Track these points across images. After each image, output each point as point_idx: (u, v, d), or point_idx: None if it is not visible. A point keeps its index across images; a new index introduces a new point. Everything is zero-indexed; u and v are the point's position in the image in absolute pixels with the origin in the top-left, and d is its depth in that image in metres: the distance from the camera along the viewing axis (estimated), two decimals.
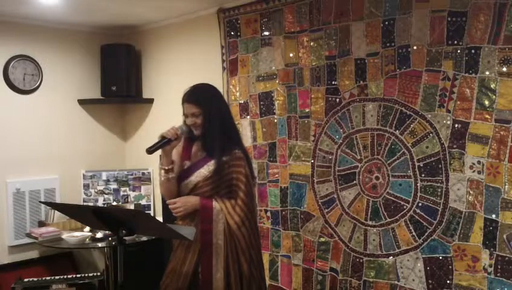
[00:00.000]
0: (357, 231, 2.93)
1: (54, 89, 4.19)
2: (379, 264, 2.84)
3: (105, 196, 4.30)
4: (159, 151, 2.56)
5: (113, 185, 4.32)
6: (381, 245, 2.83)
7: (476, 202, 2.49)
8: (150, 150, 2.49)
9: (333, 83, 3.01)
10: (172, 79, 4.14)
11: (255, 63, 3.40)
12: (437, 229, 2.62)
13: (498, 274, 2.42)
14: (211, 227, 2.53)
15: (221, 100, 2.69)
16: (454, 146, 2.55)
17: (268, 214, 3.37)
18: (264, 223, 3.39)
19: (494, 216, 2.43)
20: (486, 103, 2.44)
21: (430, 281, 2.65)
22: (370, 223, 2.88)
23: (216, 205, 2.54)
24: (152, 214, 4.25)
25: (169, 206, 2.59)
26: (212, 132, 2.57)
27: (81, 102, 4.36)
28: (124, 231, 2.10)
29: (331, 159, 3.04)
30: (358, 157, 2.92)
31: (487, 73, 2.43)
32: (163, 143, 2.51)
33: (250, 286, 2.56)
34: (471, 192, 2.50)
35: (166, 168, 2.57)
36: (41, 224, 4.00)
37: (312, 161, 3.14)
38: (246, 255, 2.54)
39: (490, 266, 2.44)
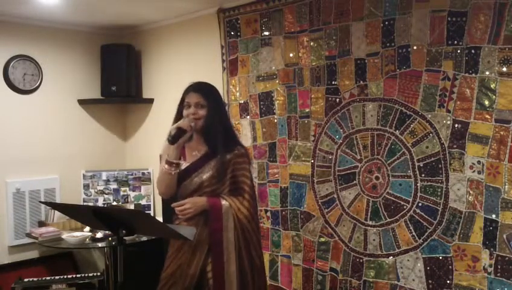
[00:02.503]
0: (357, 231, 2.93)
1: (54, 89, 4.19)
2: (379, 264, 2.84)
3: (105, 196, 4.30)
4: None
5: (113, 185, 4.32)
6: (381, 245, 2.83)
7: (476, 202, 2.49)
8: (172, 140, 2.47)
9: (333, 83, 3.01)
10: (172, 79, 4.14)
11: (255, 63, 3.40)
12: (437, 229, 2.62)
13: (498, 274, 2.42)
14: (221, 225, 2.54)
15: (222, 101, 2.72)
16: (454, 146, 2.55)
17: (268, 214, 3.37)
18: (264, 223, 3.39)
19: (494, 216, 2.42)
20: (486, 103, 2.44)
21: (430, 281, 2.65)
22: (370, 223, 2.88)
23: (225, 202, 2.55)
24: (152, 214, 4.25)
25: (177, 209, 2.55)
26: (214, 126, 2.57)
27: (81, 102, 4.36)
28: (124, 231, 2.10)
29: (331, 159, 3.04)
30: (358, 157, 2.92)
31: (487, 73, 2.42)
32: (180, 134, 2.49)
33: (259, 279, 2.61)
34: (471, 192, 2.50)
35: (172, 161, 2.54)
36: (41, 224, 4.00)
37: (312, 161, 3.14)
38: (257, 249, 2.60)
39: (490, 266, 2.44)
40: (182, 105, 2.63)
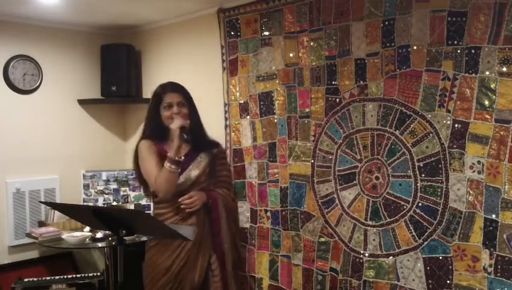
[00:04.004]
0: (357, 231, 2.93)
1: (54, 89, 4.20)
2: (379, 264, 2.84)
3: (105, 196, 4.30)
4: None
5: (113, 185, 4.32)
6: (381, 245, 2.83)
7: (476, 202, 2.49)
8: (187, 139, 2.64)
9: (333, 83, 3.01)
10: (172, 79, 4.10)
11: (255, 63, 3.40)
12: (437, 229, 2.62)
13: (498, 274, 2.42)
14: (218, 215, 2.80)
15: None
16: (454, 146, 2.55)
17: (268, 214, 3.37)
18: (264, 223, 3.39)
19: (494, 216, 2.42)
20: (486, 103, 2.43)
21: (430, 281, 2.65)
22: (370, 223, 2.87)
23: (219, 195, 2.80)
24: (152, 214, 4.25)
25: (186, 201, 2.65)
26: (197, 123, 2.77)
27: (81, 102, 4.36)
28: (124, 231, 2.10)
29: (331, 159, 3.04)
30: (358, 157, 2.92)
31: (487, 73, 2.42)
32: (184, 131, 2.60)
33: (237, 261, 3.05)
34: (471, 192, 2.50)
35: (176, 158, 2.58)
36: (41, 224, 4.00)
37: (312, 161, 3.14)
38: (238, 231, 3.08)
39: (490, 266, 2.44)
40: (158, 105, 2.71)
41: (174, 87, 2.76)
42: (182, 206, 2.66)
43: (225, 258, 2.80)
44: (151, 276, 2.73)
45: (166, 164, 2.57)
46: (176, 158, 2.57)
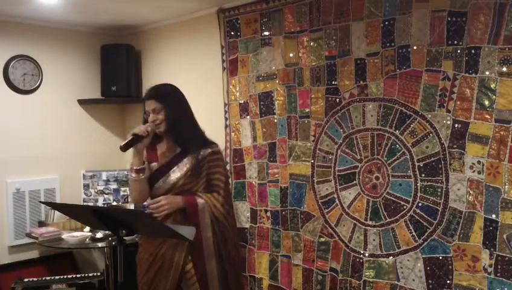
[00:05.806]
0: (357, 231, 2.93)
1: (54, 89, 4.20)
2: (379, 264, 2.84)
3: (105, 196, 4.30)
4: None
5: (113, 185, 4.32)
6: (381, 245, 2.83)
7: (476, 202, 2.49)
8: (124, 147, 2.51)
9: (333, 83, 3.01)
10: (172, 79, 4.10)
11: (255, 63, 3.40)
12: (437, 229, 2.62)
13: (498, 274, 2.42)
14: (198, 222, 2.59)
15: (182, 100, 2.72)
16: (454, 146, 2.55)
17: (268, 214, 3.37)
18: (264, 223, 3.39)
19: (494, 216, 2.42)
20: (486, 103, 2.43)
21: (430, 281, 2.65)
22: (370, 223, 2.87)
23: (200, 200, 2.59)
24: None
25: (152, 206, 2.58)
26: (179, 126, 2.61)
27: (81, 102, 4.36)
28: (124, 231, 2.10)
29: (331, 159, 3.04)
30: (358, 157, 2.92)
31: (487, 73, 2.42)
32: (135, 140, 2.53)
33: (236, 271, 2.79)
34: (471, 192, 2.50)
35: (137, 168, 2.56)
36: (41, 224, 4.00)
37: (312, 161, 3.14)
38: (234, 243, 2.72)
39: (490, 266, 2.44)
40: (144, 114, 2.69)
41: (149, 94, 2.68)
42: (147, 210, 2.61)
43: (206, 269, 2.59)
44: (137, 273, 2.72)
45: (130, 174, 2.58)
46: (135, 167, 2.57)
